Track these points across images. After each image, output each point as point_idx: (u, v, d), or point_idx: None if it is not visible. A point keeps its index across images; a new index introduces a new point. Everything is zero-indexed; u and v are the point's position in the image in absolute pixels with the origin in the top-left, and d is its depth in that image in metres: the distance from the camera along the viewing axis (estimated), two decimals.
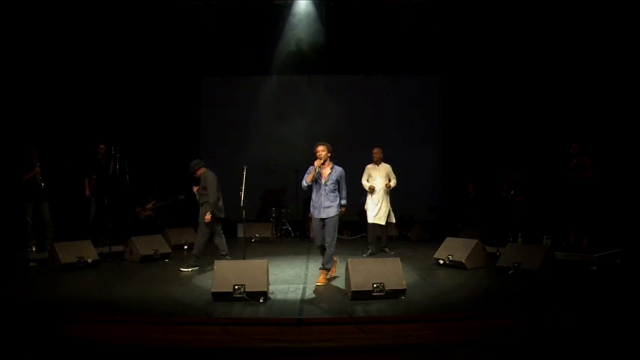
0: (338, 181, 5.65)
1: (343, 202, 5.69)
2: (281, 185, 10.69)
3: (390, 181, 7.45)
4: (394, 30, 9.99)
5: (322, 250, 5.72)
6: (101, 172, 7.77)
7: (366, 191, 7.46)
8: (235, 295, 4.64)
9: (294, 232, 10.24)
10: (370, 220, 7.45)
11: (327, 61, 10.68)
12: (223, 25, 9.87)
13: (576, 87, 8.55)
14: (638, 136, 7.63)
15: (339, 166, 5.73)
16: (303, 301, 4.84)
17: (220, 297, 4.67)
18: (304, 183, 5.64)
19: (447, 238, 6.88)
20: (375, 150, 7.61)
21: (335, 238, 5.65)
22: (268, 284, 4.90)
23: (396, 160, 11.49)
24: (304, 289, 5.33)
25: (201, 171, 6.64)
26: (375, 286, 4.72)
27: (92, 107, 9.44)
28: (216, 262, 5.00)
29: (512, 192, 8.12)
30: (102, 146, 7.89)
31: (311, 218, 6.31)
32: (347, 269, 4.99)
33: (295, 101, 10.88)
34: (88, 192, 7.78)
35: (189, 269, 6.42)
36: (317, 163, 5.55)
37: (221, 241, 6.73)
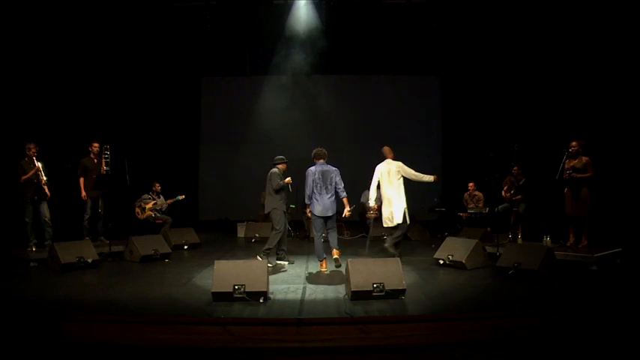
0: None
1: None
2: None
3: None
4: (394, 30, 9.99)
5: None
6: (93, 171, 7.48)
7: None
8: (235, 295, 4.64)
9: (294, 232, 10.23)
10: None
11: (327, 61, 10.69)
12: (223, 25, 9.88)
13: (576, 86, 8.56)
14: (638, 135, 7.62)
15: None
16: (303, 301, 4.83)
17: (220, 297, 4.66)
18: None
19: (447, 238, 6.87)
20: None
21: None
22: (268, 284, 4.91)
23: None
24: (304, 289, 5.32)
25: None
26: (375, 286, 4.71)
27: (91, 107, 9.45)
28: (216, 262, 4.99)
29: (512, 192, 8.14)
30: (95, 144, 7.58)
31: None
32: (347, 269, 4.98)
33: (295, 101, 10.88)
34: (84, 194, 7.45)
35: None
36: None
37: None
